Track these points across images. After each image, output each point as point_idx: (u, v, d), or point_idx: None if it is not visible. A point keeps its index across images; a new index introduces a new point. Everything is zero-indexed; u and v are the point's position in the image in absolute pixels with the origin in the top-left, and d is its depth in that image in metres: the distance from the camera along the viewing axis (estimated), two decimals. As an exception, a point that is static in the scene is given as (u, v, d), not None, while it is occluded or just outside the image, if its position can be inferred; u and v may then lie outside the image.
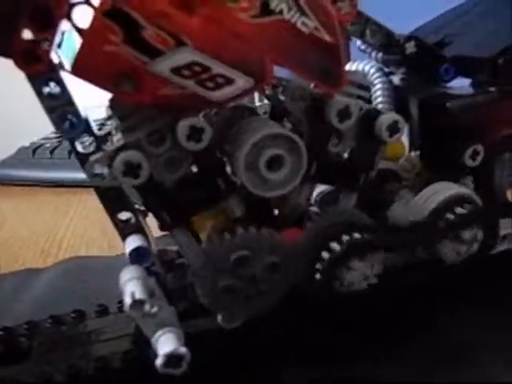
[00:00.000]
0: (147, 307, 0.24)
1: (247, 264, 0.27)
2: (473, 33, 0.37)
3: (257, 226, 0.28)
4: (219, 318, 0.30)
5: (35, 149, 0.74)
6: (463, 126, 0.31)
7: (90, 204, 0.63)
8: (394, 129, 0.29)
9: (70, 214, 0.61)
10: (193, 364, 0.25)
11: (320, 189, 0.37)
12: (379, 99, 0.34)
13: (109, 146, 0.29)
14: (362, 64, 0.35)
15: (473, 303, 0.34)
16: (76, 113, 0.27)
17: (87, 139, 0.28)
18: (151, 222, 0.30)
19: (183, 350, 0.24)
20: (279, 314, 0.29)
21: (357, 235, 0.28)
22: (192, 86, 0.24)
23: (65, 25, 0.25)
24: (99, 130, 0.31)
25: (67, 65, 0.25)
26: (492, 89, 0.32)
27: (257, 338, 0.31)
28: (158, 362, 0.24)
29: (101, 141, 0.28)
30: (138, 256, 0.29)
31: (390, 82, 0.35)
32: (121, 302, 0.35)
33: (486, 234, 0.30)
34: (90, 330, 0.34)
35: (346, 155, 0.32)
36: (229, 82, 0.24)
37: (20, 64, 0.24)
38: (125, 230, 0.30)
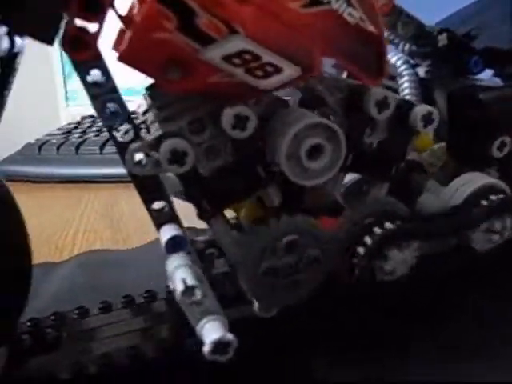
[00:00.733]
0: (198, 293, 0.24)
1: (296, 249, 0.27)
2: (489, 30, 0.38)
3: (290, 215, 0.29)
4: (255, 306, 0.30)
5: (41, 145, 0.73)
6: (493, 118, 0.32)
7: (100, 199, 0.63)
8: (428, 119, 0.30)
9: (80, 209, 0.61)
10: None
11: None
12: (407, 91, 0.35)
13: (146, 135, 0.29)
14: (389, 55, 0.36)
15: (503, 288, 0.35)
16: (120, 101, 0.27)
17: (122, 127, 0.28)
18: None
19: (230, 336, 0.25)
20: (315, 303, 0.30)
21: (394, 224, 0.29)
22: (241, 74, 0.25)
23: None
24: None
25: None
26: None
27: (292, 326, 0.31)
28: (206, 349, 0.24)
29: (139, 130, 0.29)
30: (174, 245, 0.29)
31: (416, 73, 0.36)
32: (148, 292, 0.36)
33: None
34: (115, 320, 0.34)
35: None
36: (277, 70, 0.25)
37: (69, 50, 0.24)
38: (159, 219, 0.31)
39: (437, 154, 0.37)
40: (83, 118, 0.88)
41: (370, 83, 0.28)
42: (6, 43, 0.26)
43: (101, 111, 0.27)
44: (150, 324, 0.33)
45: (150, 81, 0.28)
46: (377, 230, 0.28)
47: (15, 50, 0.27)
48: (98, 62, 0.25)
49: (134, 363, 0.31)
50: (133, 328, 0.33)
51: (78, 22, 0.24)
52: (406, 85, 0.35)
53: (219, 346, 0.25)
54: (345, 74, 0.32)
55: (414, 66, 0.35)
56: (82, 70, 0.25)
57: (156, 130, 0.28)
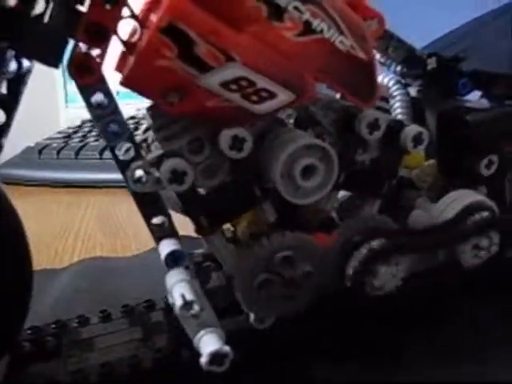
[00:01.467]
0: (196, 308, 0.25)
1: (290, 265, 0.29)
2: (482, 50, 0.39)
3: (284, 231, 0.30)
4: (251, 318, 0.31)
5: (41, 149, 0.74)
6: (480, 138, 0.33)
7: (100, 204, 0.64)
8: (418, 140, 0.31)
9: (80, 214, 0.62)
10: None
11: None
12: (398, 110, 0.36)
13: (147, 154, 0.30)
14: (381, 76, 0.37)
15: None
16: (121, 122, 0.28)
17: (122, 146, 0.30)
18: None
19: (227, 348, 0.26)
20: (309, 314, 0.31)
21: (386, 240, 0.30)
22: (237, 99, 0.26)
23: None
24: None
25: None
26: (507, 102, 0.34)
27: (287, 337, 0.32)
28: (203, 360, 0.26)
29: (139, 148, 0.30)
30: (173, 259, 0.30)
31: (408, 94, 0.37)
32: (147, 301, 0.37)
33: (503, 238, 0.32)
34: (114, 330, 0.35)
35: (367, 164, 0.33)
36: (272, 96, 0.26)
37: (75, 75, 0.25)
38: (158, 233, 0.32)
39: (427, 171, 0.38)
40: (83, 122, 0.89)
41: (362, 106, 0.29)
42: (13, 65, 0.28)
43: (103, 132, 0.28)
44: (149, 334, 0.34)
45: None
46: (367, 247, 0.29)
47: (23, 70, 0.28)
48: (102, 85, 0.27)
49: (133, 372, 0.32)
50: (133, 337, 0.34)
51: (83, 46, 0.25)
52: (397, 105, 0.36)
53: (216, 357, 0.26)
54: (339, 95, 0.33)
55: (405, 86, 0.37)
56: (86, 93, 0.26)
57: (156, 149, 0.30)
